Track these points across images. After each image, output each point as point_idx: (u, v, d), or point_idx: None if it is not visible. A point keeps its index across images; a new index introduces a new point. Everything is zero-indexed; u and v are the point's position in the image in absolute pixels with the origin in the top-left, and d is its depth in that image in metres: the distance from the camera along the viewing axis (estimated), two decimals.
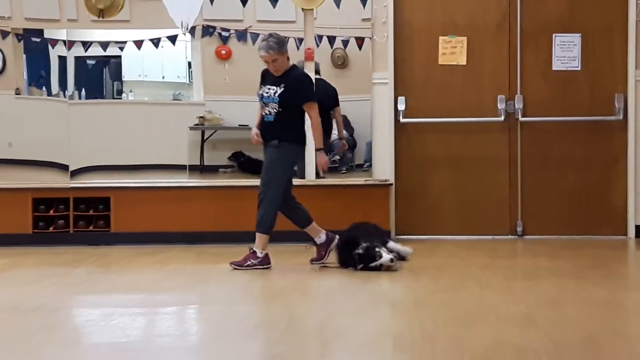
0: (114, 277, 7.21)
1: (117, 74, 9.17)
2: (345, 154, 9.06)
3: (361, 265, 6.93)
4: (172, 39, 8.97)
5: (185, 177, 8.91)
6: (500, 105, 8.87)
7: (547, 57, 8.87)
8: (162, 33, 8.96)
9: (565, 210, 8.91)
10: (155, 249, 8.32)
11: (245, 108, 8.47)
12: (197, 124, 9.00)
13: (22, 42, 8.99)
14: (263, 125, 7.26)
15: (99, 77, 9.21)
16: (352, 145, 9.05)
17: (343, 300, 6.13)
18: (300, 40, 8.82)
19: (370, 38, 8.84)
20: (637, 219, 8.82)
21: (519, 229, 8.92)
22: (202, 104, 9.04)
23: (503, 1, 8.90)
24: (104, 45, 9.10)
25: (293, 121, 7.19)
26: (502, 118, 8.87)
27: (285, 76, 7.19)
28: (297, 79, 7.24)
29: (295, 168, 7.98)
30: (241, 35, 8.85)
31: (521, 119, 8.87)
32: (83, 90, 9.11)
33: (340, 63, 8.93)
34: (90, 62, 9.19)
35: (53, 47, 9.08)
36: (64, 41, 8.98)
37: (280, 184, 7.16)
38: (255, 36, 8.73)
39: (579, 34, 8.84)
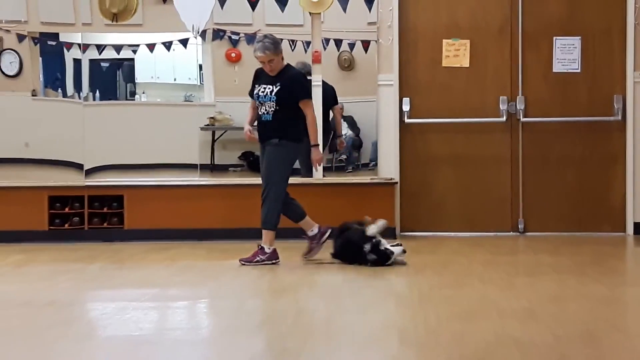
0: (127, 272, 7.20)
1: (130, 76, 9.16)
2: (352, 153, 9.04)
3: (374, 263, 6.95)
4: (184, 42, 8.96)
5: (196, 175, 8.90)
6: (502, 106, 8.84)
7: (548, 59, 8.84)
8: (174, 36, 8.94)
9: (565, 207, 8.88)
10: (167, 245, 8.30)
11: None
12: (207, 125, 8.99)
13: (38, 45, 8.99)
14: (261, 124, 7.24)
15: (112, 79, 9.21)
16: (358, 145, 9.04)
17: (349, 295, 6.11)
18: (308, 43, 8.80)
19: (375, 41, 8.82)
20: (636, 216, 8.78)
21: (521, 226, 8.89)
22: (213, 105, 9.03)
23: (505, 5, 8.87)
24: (118, 48, 9.09)
25: (291, 119, 7.17)
26: (504, 118, 8.84)
27: (280, 75, 7.17)
28: (293, 77, 7.22)
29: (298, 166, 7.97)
30: (250, 39, 8.82)
31: (522, 119, 8.84)
32: (97, 91, 9.10)
33: (347, 65, 8.91)
34: (104, 64, 9.18)
35: (68, 50, 9.07)
36: (79, 44, 8.98)
37: (282, 181, 7.15)
38: None
39: (579, 37, 8.81)
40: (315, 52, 8.80)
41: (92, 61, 9.07)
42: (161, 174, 8.88)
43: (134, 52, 9.09)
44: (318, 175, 8.66)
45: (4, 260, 7.63)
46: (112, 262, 7.58)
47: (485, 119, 8.86)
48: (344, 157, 9.02)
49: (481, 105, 8.88)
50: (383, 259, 6.96)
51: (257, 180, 7.46)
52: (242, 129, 7.43)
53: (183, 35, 8.89)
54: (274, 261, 7.15)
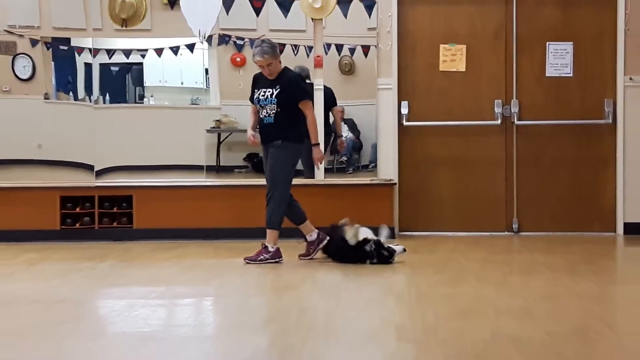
0: (135, 270, 7.20)
1: (139, 80, 9.15)
2: (352, 155, 9.04)
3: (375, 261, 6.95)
4: (191, 47, 8.95)
5: (203, 176, 8.90)
6: (497, 109, 8.84)
7: (541, 64, 8.83)
8: (181, 41, 8.94)
9: (558, 208, 8.87)
10: (174, 244, 8.30)
11: None
12: (213, 127, 8.99)
13: (50, 50, 8.99)
14: (262, 127, 7.23)
15: (122, 82, 9.21)
16: (359, 147, 9.04)
17: (350, 293, 6.12)
18: (310, 48, 8.79)
19: (375, 46, 8.81)
20: (626, 216, 8.78)
21: (515, 225, 8.89)
22: (219, 108, 9.03)
23: (500, 11, 8.87)
24: (127, 52, 9.09)
25: (292, 120, 7.16)
26: (499, 121, 8.83)
27: (279, 78, 7.17)
28: (291, 80, 7.22)
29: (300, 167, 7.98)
30: None
31: (517, 122, 8.84)
32: (107, 95, 9.11)
33: (348, 70, 8.91)
34: (114, 68, 9.18)
35: (79, 55, 9.07)
36: (90, 49, 8.97)
37: (287, 182, 7.14)
38: None
39: (571, 43, 8.81)
40: (317, 56, 8.79)
41: (102, 65, 9.07)
42: (169, 175, 8.88)
43: (143, 56, 9.09)
44: (319, 176, 8.66)
45: (17, 258, 7.64)
46: (121, 260, 7.58)
47: (480, 122, 8.86)
48: (344, 158, 9.01)
49: (477, 108, 8.88)
50: (385, 259, 6.95)
51: (262, 181, 7.46)
52: (246, 131, 7.43)
53: (190, 40, 8.89)
54: (277, 260, 7.14)
